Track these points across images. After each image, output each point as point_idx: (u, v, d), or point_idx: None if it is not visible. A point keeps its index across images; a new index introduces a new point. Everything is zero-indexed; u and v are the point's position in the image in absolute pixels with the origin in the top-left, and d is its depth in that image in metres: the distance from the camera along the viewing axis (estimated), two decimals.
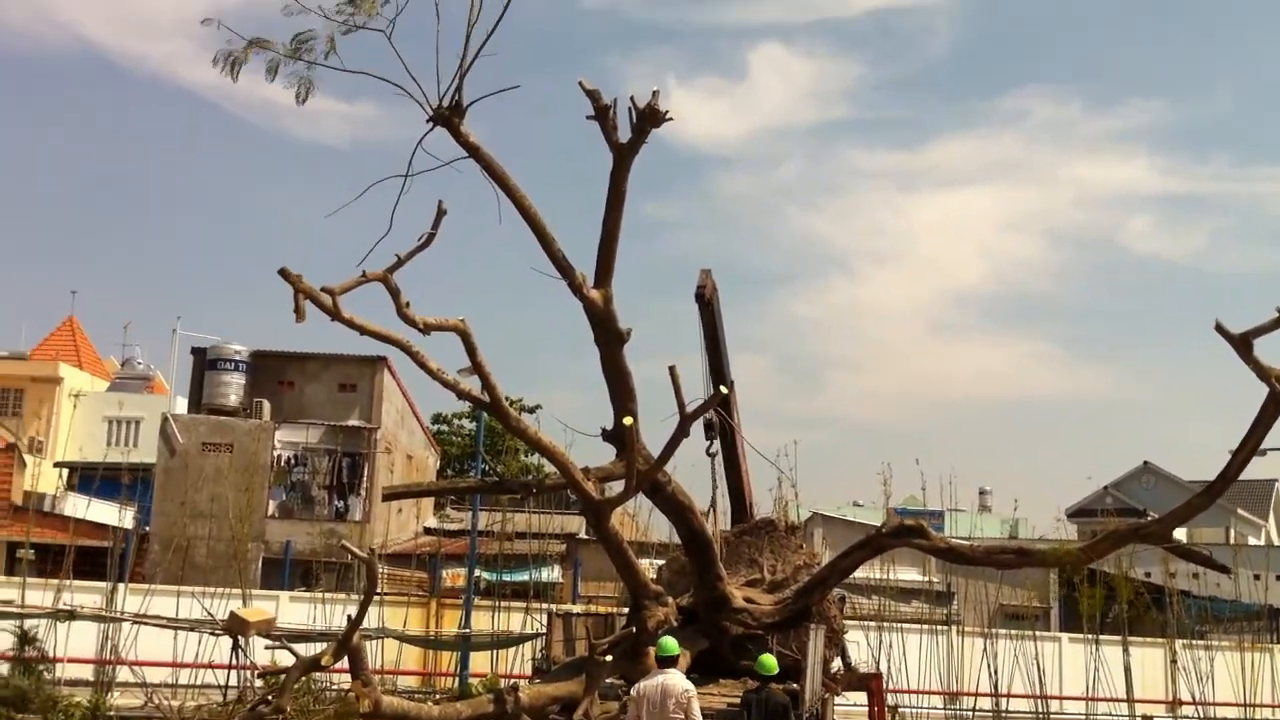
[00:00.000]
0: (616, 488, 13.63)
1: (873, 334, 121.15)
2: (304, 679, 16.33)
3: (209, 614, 19.88)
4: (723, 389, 12.70)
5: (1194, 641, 26.70)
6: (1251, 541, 47.53)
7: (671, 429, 12.22)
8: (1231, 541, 41.13)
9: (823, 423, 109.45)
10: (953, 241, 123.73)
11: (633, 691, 12.22)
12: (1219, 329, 11.40)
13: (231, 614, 18.05)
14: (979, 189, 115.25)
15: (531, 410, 48.04)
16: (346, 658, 10.76)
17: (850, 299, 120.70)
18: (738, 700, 14.29)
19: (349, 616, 11.03)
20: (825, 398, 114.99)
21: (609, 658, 12.71)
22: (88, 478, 32.27)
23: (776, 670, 13.20)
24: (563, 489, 14.38)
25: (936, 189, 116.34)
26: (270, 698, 10.91)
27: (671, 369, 12.48)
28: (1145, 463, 58.42)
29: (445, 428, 52.91)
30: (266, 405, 34.37)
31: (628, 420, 12.62)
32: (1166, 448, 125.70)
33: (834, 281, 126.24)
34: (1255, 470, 13.05)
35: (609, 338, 13.41)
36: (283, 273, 11.23)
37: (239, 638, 18.74)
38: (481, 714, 12.55)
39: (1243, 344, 11.45)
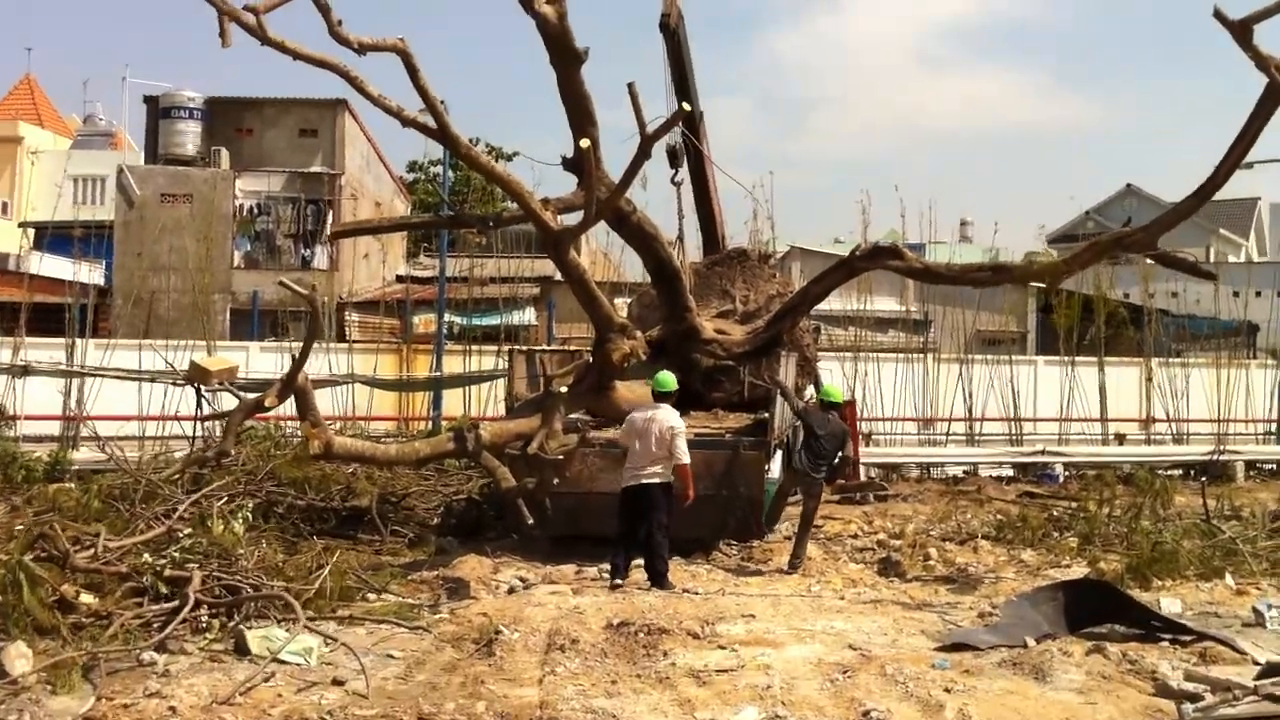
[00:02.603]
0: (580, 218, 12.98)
1: (857, 68, 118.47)
2: (260, 425, 16.19)
3: (169, 365, 19.54)
4: (685, 106, 11.87)
5: (1170, 360, 26.80)
6: (1231, 259, 47.30)
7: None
8: (1212, 260, 40.89)
9: (805, 161, 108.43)
10: None
11: (624, 422, 12.22)
12: (1217, 14, 10.53)
13: (192, 363, 17.59)
14: None
15: (509, 157, 46.76)
16: (294, 399, 10.29)
17: (834, 31, 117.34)
18: (710, 431, 14.18)
19: (293, 355, 10.52)
20: (808, 136, 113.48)
21: (565, 390, 12.30)
22: (59, 237, 31.49)
23: (842, 399, 13.59)
24: (521, 221, 13.73)
25: None
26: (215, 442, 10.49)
27: (630, 85, 11.67)
28: (1128, 185, 57.55)
29: (420, 175, 51.28)
30: (225, 153, 33.18)
31: (584, 143, 11.84)
32: (1150, 173, 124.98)
33: (817, 14, 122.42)
34: (1237, 188, 12.43)
35: (565, 57, 12.54)
36: None
37: (202, 387, 18.44)
38: (441, 452, 12.25)
39: (1242, 30, 10.60)
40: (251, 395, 12.41)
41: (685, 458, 11.83)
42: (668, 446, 11.75)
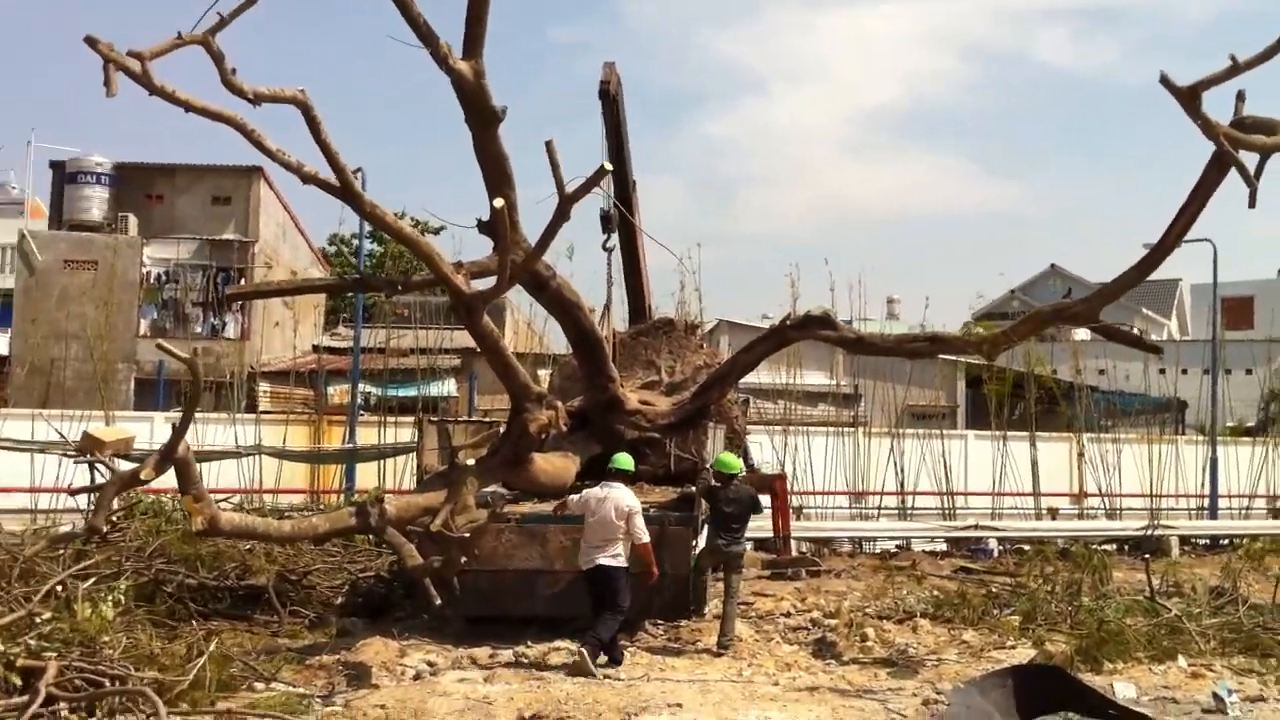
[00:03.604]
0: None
1: (786, 153, 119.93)
2: (150, 498, 15.12)
3: (61, 435, 18.39)
4: (606, 165, 11.15)
5: (1101, 435, 26.59)
6: (1154, 338, 47.68)
7: None
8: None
9: (735, 240, 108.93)
10: (865, 59, 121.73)
11: (576, 498, 12.12)
12: (1164, 81, 10.10)
13: (85, 434, 16.54)
14: (890, 4, 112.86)
15: (435, 231, 45.71)
16: (174, 472, 9.34)
17: (764, 119, 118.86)
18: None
19: (173, 425, 9.58)
20: (738, 216, 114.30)
21: (473, 462, 11.45)
22: None
23: (740, 469, 13.10)
24: (432, 285, 12.92)
25: (846, 5, 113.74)
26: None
27: (548, 143, 10.88)
28: (1052, 265, 58.37)
29: (344, 248, 49.98)
30: (133, 220, 32.04)
31: (498, 203, 11.06)
32: (1074, 255, 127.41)
33: (747, 101, 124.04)
34: (1159, 270, 12.04)
35: (481, 117, 11.82)
36: (88, 40, 9.44)
37: (97, 459, 17.34)
38: (342, 527, 11.29)
39: (1190, 97, 10.16)
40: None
41: (645, 536, 11.66)
42: (624, 528, 11.57)
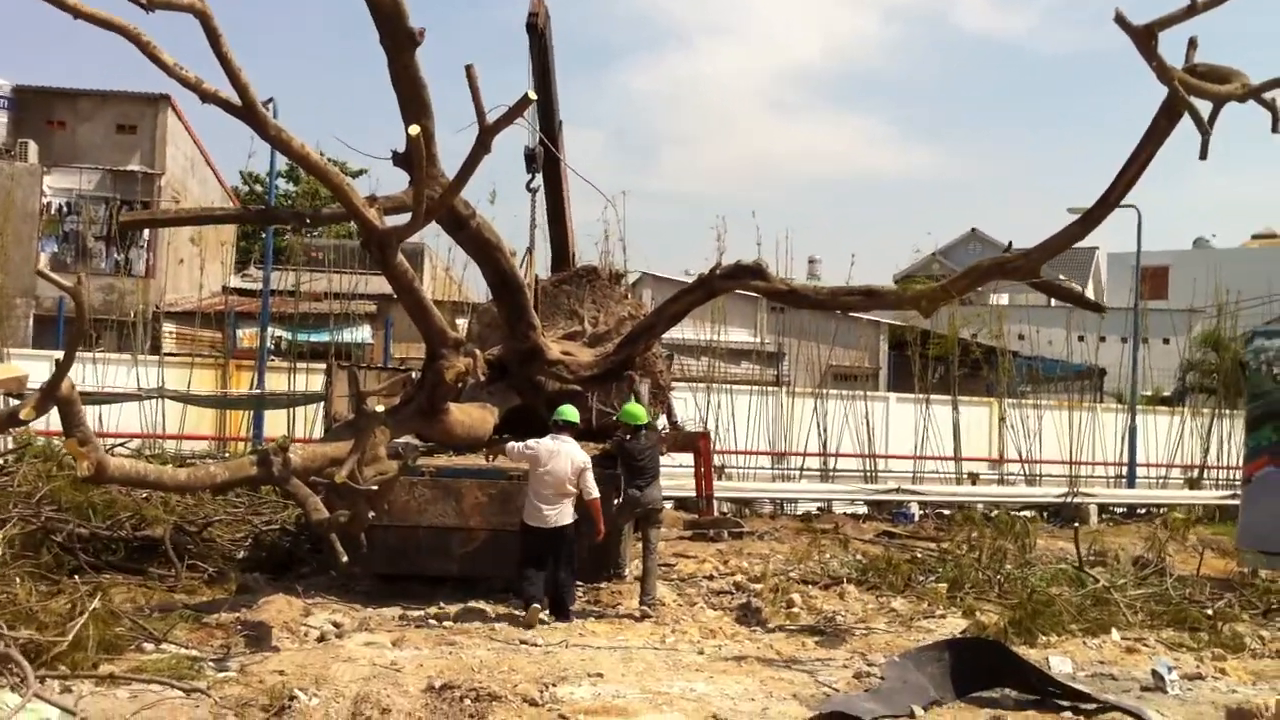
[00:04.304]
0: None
1: (710, 109, 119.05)
2: (43, 440, 14.27)
3: None
4: (530, 94, 10.40)
5: (1022, 401, 26.57)
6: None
7: None
8: (1051, 305, 41.34)
9: (657, 197, 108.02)
10: (789, 16, 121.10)
11: (521, 447, 11.61)
12: (1119, 19, 9.61)
13: None
14: None
15: (354, 175, 44.16)
16: (57, 412, 8.54)
17: (688, 73, 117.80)
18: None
19: (56, 362, 8.76)
20: (661, 173, 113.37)
21: (381, 409, 10.77)
22: None
23: (646, 419, 12.61)
24: (342, 219, 12.19)
25: None
26: None
27: (468, 68, 10.13)
28: (973, 229, 58.52)
29: (258, 186, 47.69)
30: (33, 146, 30.40)
31: (414, 130, 10.24)
32: (993, 219, 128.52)
33: (671, 55, 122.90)
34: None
35: (397, 38, 10.99)
36: None
37: None
38: (243, 476, 10.49)
39: (1145, 37, 9.71)
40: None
41: (595, 492, 11.50)
42: (576, 483, 11.39)
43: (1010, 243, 12.45)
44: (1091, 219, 11.31)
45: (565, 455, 11.44)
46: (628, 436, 12.28)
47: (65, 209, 31.09)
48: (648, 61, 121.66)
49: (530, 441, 11.67)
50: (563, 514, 11.38)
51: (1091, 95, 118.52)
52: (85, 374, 20.27)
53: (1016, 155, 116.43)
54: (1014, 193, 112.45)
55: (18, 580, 9.42)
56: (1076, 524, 17.31)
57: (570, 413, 12.04)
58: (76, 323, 8.70)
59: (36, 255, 29.33)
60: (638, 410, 12.55)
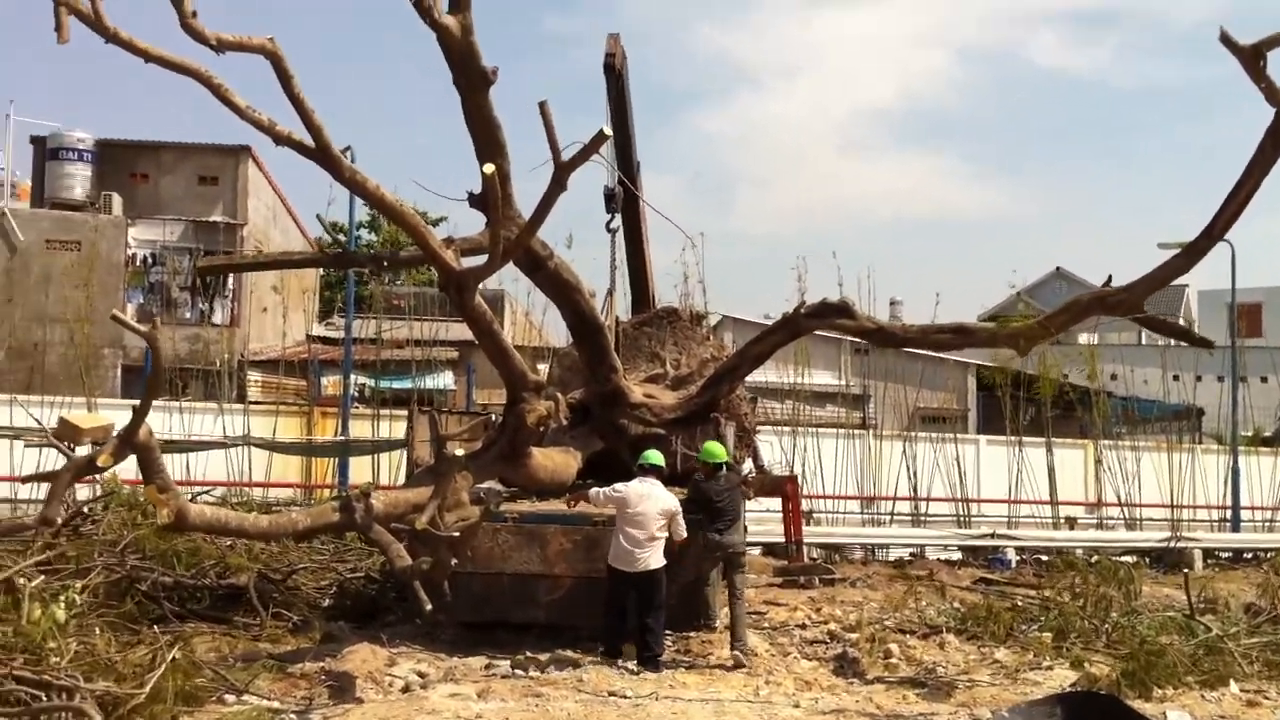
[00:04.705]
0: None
1: (783, 150, 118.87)
2: (127, 489, 14.22)
3: (38, 422, 17.49)
4: (605, 130, 10.17)
5: (1119, 442, 25.75)
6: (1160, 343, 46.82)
7: None
8: (1142, 343, 40.33)
9: (734, 239, 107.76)
10: (861, 57, 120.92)
11: (608, 491, 11.51)
12: (1224, 39, 9.22)
13: (61, 420, 15.49)
14: (886, 3, 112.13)
15: (435, 223, 44.53)
16: (136, 459, 8.41)
17: (760, 115, 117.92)
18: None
19: (133, 408, 8.65)
20: (736, 215, 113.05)
21: (462, 454, 10.53)
22: None
23: (726, 457, 12.27)
24: (420, 262, 12.04)
25: (843, 3, 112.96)
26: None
27: (542, 104, 9.95)
28: (1058, 268, 57.51)
29: (341, 237, 48.35)
30: (117, 199, 30.96)
31: (489, 169, 10.03)
32: (1074, 256, 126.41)
33: (743, 97, 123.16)
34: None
35: (470, 78, 10.89)
36: None
37: (73, 447, 16.44)
38: (325, 524, 10.30)
39: (1253, 56, 9.27)
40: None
41: (684, 533, 11.50)
42: (665, 525, 11.32)
43: (1110, 276, 11.77)
44: (1195, 251, 10.85)
45: (655, 498, 11.31)
46: (706, 477, 11.93)
47: (150, 260, 31.61)
48: (720, 104, 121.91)
49: (618, 485, 11.51)
50: (653, 557, 11.16)
51: (1167, 129, 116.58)
52: (171, 422, 20.44)
53: (1094, 192, 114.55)
54: (1096, 230, 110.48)
55: (97, 630, 9.26)
56: (1185, 570, 16.54)
57: (655, 457, 11.90)
58: (155, 369, 8.59)
59: (123, 306, 29.76)
60: (717, 448, 12.20)
